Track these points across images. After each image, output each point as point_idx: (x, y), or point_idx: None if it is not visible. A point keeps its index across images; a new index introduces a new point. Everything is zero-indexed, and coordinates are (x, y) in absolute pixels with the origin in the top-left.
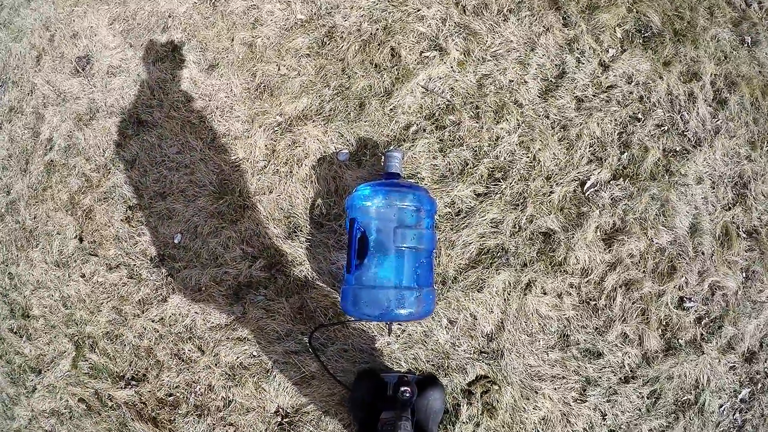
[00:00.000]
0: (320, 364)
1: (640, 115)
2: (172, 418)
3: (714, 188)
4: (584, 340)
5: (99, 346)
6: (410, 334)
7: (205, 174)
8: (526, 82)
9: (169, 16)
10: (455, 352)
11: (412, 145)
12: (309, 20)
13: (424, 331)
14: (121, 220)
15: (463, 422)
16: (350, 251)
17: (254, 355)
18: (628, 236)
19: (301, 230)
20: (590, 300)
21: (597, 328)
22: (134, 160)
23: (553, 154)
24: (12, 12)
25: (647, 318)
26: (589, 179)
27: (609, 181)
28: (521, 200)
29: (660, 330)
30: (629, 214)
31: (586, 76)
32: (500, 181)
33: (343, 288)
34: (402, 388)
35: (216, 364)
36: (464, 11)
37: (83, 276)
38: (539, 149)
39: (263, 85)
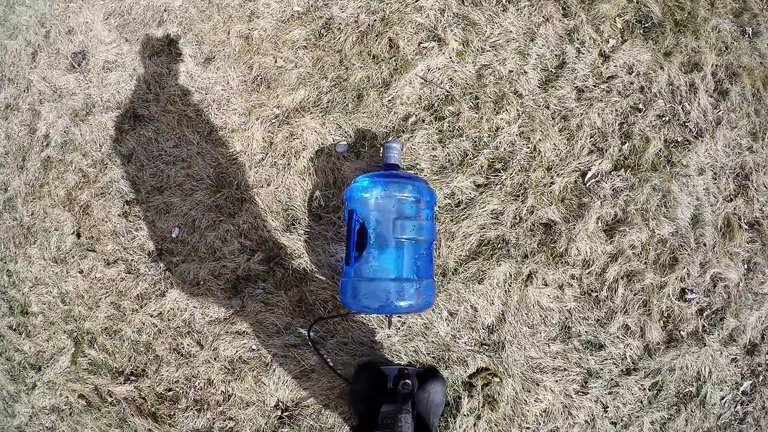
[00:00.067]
0: (320, 357)
1: (641, 106)
2: (171, 413)
3: (715, 179)
4: (586, 332)
5: (98, 341)
6: (410, 327)
7: (202, 167)
8: (525, 72)
9: (165, 10)
10: (456, 344)
11: (411, 136)
12: (306, 12)
13: (425, 324)
14: (119, 215)
15: (464, 415)
16: (349, 243)
17: (253, 349)
18: (629, 227)
19: (299, 223)
20: (592, 291)
21: (598, 320)
22: (131, 155)
23: (554, 144)
24: (7, 9)
25: (649, 309)
26: (590, 170)
27: (610, 172)
28: (522, 191)
29: (662, 322)
30: (630, 204)
31: (586, 66)
32: (500, 172)
33: (342, 280)
34: (402, 381)
35: (215, 359)
36: (463, 1)
37: (81, 272)
38: (539, 140)
39: (260, 77)
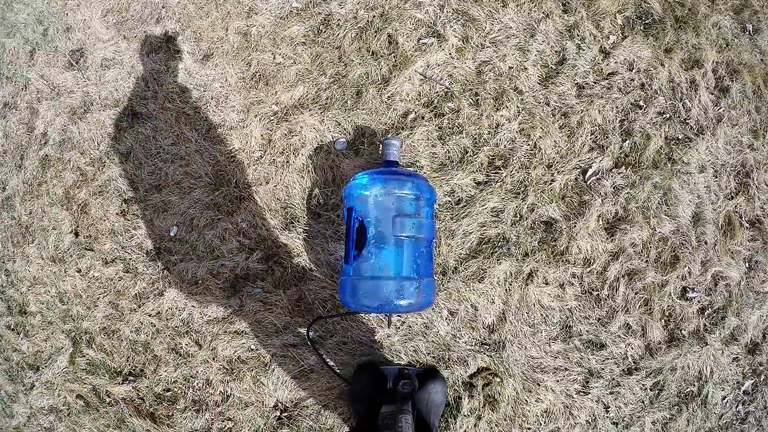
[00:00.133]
0: (319, 357)
1: (641, 103)
2: (170, 414)
3: (716, 177)
4: (587, 331)
5: (96, 341)
6: (410, 326)
7: (200, 165)
8: (526, 68)
9: (163, 7)
10: (456, 343)
11: (411, 133)
12: (304, 8)
13: (425, 323)
14: (117, 213)
15: (465, 415)
16: (348, 241)
17: (252, 349)
18: (630, 225)
19: (298, 221)
20: (593, 290)
21: (600, 319)
22: (129, 153)
23: (554, 141)
24: (5, 7)
25: (650, 308)
26: (590, 167)
27: (611, 169)
28: (522, 188)
29: (663, 321)
30: (631, 202)
31: (586, 62)
32: (501, 169)
33: (341, 279)
34: (402, 381)
35: (214, 359)
36: None
37: (79, 271)
38: (540, 137)
39: (258, 74)
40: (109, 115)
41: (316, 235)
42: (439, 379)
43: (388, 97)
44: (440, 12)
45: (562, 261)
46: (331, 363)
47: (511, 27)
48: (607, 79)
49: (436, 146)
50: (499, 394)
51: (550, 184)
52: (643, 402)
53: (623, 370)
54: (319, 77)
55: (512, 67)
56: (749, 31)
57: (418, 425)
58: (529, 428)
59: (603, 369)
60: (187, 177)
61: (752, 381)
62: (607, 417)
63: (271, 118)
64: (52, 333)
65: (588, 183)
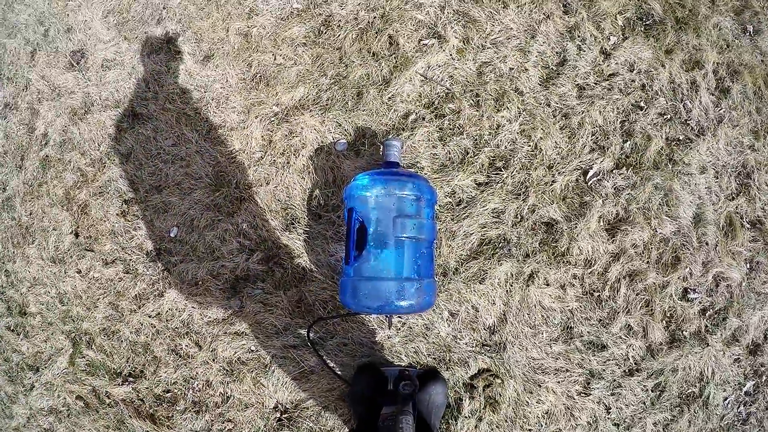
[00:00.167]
0: (319, 359)
1: (642, 104)
2: (170, 415)
3: (717, 178)
4: (588, 333)
5: (96, 342)
6: (411, 327)
7: (200, 166)
8: (526, 69)
9: (164, 8)
10: (457, 345)
11: (412, 134)
12: (305, 9)
13: (425, 324)
14: (117, 214)
15: (466, 417)
16: (349, 242)
17: (252, 350)
18: (631, 226)
19: (298, 222)
20: (594, 291)
21: (601, 320)
22: (129, 154)
23: (555, 142)
24: (6, 8)
25: (651, 309)
26: (591, 168)
27: (612, 170)
28: (523, 189)
29: (664, 322)
30: (632, 203)
31: (587, 63)
32: (501, 170)
33: (342, 280)
34: (403, 383)
35: (214, 360)
36: None
37: (79, 272)
38: (541, 138)
39: (259, 75)
40: (110, 115)
41: (317, 236)
42: (440, 381)
43: (389, 98)
44: (441, 13)
45: (563, 262)
46: (332, 364)
47: (511, 28)
48: (607, 80)
49: (437, 147)
50: (500, 395)
51: (551, 185)
52: (644, 403)
53: (624, 371)
54: (319, 78)
55: (513, 68)
56: (750, 32)
57: (419, 426)
58: (530, 430)
59: (604, 370)
60: (187, 178)
61: (753, 382)
62: (608, 418)
63: (272, 119)
64: (52, 334)
65: (589, 184)
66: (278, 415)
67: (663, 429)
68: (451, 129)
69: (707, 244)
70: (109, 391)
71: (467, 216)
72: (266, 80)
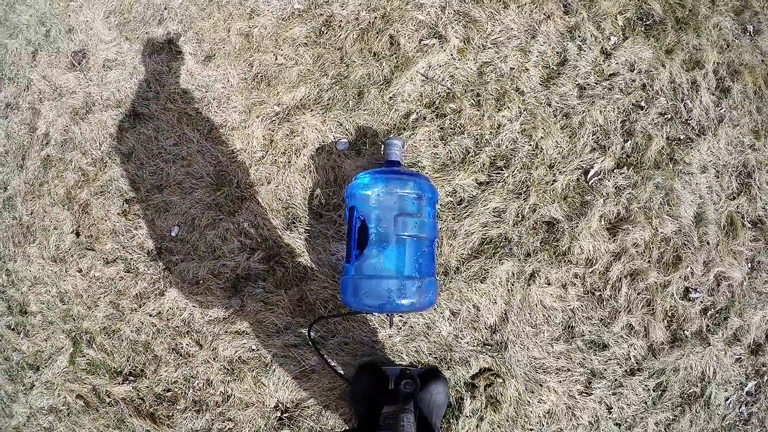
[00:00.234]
0: (320, 357)
1: (643, 103)
2: (170, 414)
3: (718, 177)
4: (589, 332)
5: (96, 341)
6: (412, 327)
7: (202, 166)
8: (527, 69)
9: (165, 9)
10: (458, 344)
11: (413, 134)
12: (306, 9)
13: (427, 323)
14: (118, 213)
15: (467, 416)
16: (350, 241)
17: (253, 349)
18: (632, 225)
19: (299, 221)
20: (595, 290)
21: (602, 320)
22: (131, 153)
23: (556, 142)
24: (7, 8)
25: (653, 309)
26: (592, 167)
27: (613, 170)
28: (524, 189)
29: (666, 321)
30: (633, 203)
31: (588, 63)
32: (502, 170)
33: (343, 279)
34: (404, 381)
35: (214, 359)
36: None
37: (80, 271)
38: (541, 137)
39: (260, 75)
40: (111, 115)
41: (318, 235)
42: (441, 380)
43: (390, 97)
44: (441, 13)
45: (564, 261)
46: (333, 363)
47: (512, 28)
48: (608, 79)
49: (438, 147)
50: (502, 394)
51: (552, 184)
52: (645, 403)
53: (626, 370)
54: (321, 78)
55: (514, 68)
56: (750, 32)
57: (420, 426)
58: (531, 429)
59: (606, 370)
60: (188, 177)
61: (755, 382)
62: (609, 418)
63: (273, 118)
64: (53, 333)
65: (590, 183)
66: (279, 414)
67: (665, 429)
68: (452, 128)
69: (708, 243)
70: (109, 390)
71: (468, 215)
72: (267, 80)
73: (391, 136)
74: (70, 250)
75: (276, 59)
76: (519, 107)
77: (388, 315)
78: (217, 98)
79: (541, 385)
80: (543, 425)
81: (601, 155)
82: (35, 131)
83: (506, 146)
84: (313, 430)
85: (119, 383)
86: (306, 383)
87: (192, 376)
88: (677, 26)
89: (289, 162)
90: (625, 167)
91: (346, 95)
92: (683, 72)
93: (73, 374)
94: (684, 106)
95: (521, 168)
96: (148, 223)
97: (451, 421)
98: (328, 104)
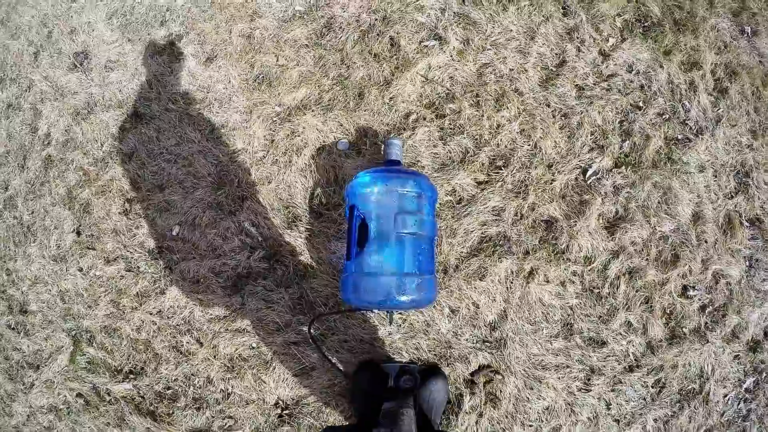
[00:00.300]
0: (320, 353)
1: (641, 104)
2: (170, 412)
3: (716, 177)
4: (588, 329)
5: (97, 340)
6: (412, 324)
7: (203, 165)
8: (526, 70)
9: (167, 10)
10: (457, 341)
11: (413, 134)
12: (307, 11)
13: (426, 321)
14: (119, 212)
15: (466, 412)
16: (350, 239)
17: (253, 347)
18: (630, 224)
19: (300, 220)
20: (593, 288)
21: (600, 317)
22: (132, 153)
23: (555, 142)
24: (9, 9)
25: (651, 306)
26: (590, 167)
27: (611, 169)
28: (523, 188)
29: (664, 318)
30: (631, 201)
31: (586, 64)
32: (501, 169)
33: (343, 277)
34: (404, 377)
35: (215, 357)
36: (463, 1)
37: (81, 270)
38: (540, 137)
39: (262, 75)
40: (113, 116)
41: (318, 234)
42: (441, 377)
43: (390, 98)
44: (441, 15)
45: (563, 259)
46: (333, 360)
47: (511, 30)
48: (606, 80)
49: (438, 146)
50: (501, 391)
51: (551, 183)
52: (644, 399)
53: (625, 367)
54: (321, 79)
55: (513, 69)
56: (748, 33)
57: (420, 422)
58: (530, 425)
59: (604, 366)
60: (189, 177)
61: (754, 378)
62: (608, 414)
63: (274, 119)
64: (53, 332)
65: (588, 183)
66: (279, 411)
67: (663, 425)
68: (451, 129)
69: (706, 241)
70: (109, 389)
71: (468, 214)
72: (269, 81)
73: (391, 136)
74: (71, 249)
75: (277, 60)
76: (518, 108)
77: (387, 312)
78: (218, 99)
79: (540, 382)
80: (542, 421)
81: (600, 155)
82: (37, 131)
83: (505, 146)
84: (312, 427)
85: (119, 381)
86: (306, 380)
87: (192, 374)
88: (675, 28)
89: (290, 162)
90: (624, 167)
91: (346, 96)
92: (681, 73)
93: (74, 373)
94: (682, 106)
95: (520, 167)
96: (149, 222)
97: (450, 417)
98: (328, 105)
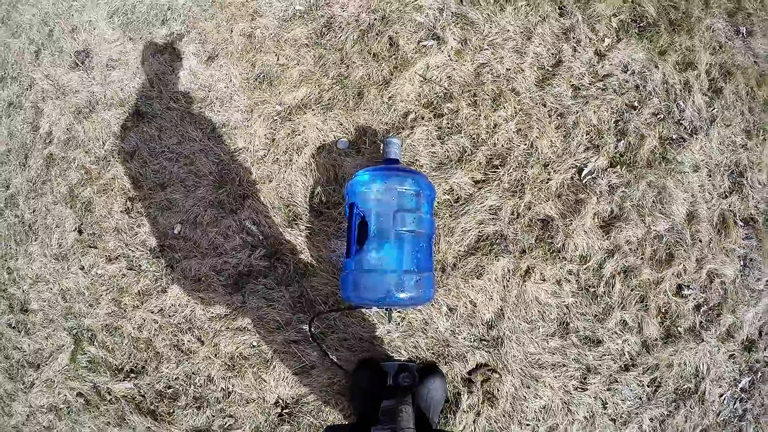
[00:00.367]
0: (320, 350)
1: (636, 104)
2: (171, 411)
3: (710, 176)
4: (584, 328)
5: (98, 338)
6: (410, 322)
7: (204, 164)
8: (523, 70)
9: (168, 9)
10: (455, 340)
11: (411, 133)
12: (307, 11)
13: (424, 319)
14: (121, 211)
15: (464, 411)
16: (350, 237)
17: (254, 345)
18: (625, 223)
19: (300, 219)
20: (589, 287)
21: (596, 316)
22: (134, 152)
23: (551, 141)
24: (10, 8)
25: (646, 305)
26: (586, 166)
27: (606, 169)
28: (519, 187)
29: (659, 317)
30: (627, 201)
31: (582, 64)
32: (498, 168)
33: (343, 274)
34: (402, 375)
35: (215, 355)
36: (461, 1)
37: (82, 268)
38: (536, 137)
39: (262, 75)
40: (114, 114)
41: (319, 233)
42: (439, 375)
43: (389, 97)
44: (440, 15)
45: (559, 258)
46: (333, 357)
47: (508, 30)
48: (602, 80)
49: (436, 145)
50: (498, 390)
51: (547, 182)
52: (640, 398)
53: (620, 366)
54: (321, 78)
55: (510, 69)
56: (743, 34)
57: (418, 421)
58: (527, 424)
59: (600, 365)
60: (191, 175)
61: (749, 378)
62: (605, 413)
63: (275, 118)
64: (54, 330)
65: (584, 182)
66: (279, 410)
67: (659, 424)
68: (449, 128)
69: (701, 241)
70: (110, 388)
71: (465, 213)
72: (269, 80)
73: (390, 135)
74: (72, 247)
75: (278, 59)
76: (515, 107)
77: (386, 310)
78: (219, 98)
79: (536, 381)
80: (539, 420)
81: (595, 154)
82: (38, 130)
83: (502, 145)
84: (312, 425)
85: (120, 380)
86: (306, 379)
87: (193, 373)
88: (670, 28)
89: (291, 160)
90: (619, 166)
91: (346, 95)
92: (676, 73)
93: (74, 372)
94: (677, 106)
95: (516, 167)
96: (150, 221)
97: (448, 416)
98: (328, 104)
